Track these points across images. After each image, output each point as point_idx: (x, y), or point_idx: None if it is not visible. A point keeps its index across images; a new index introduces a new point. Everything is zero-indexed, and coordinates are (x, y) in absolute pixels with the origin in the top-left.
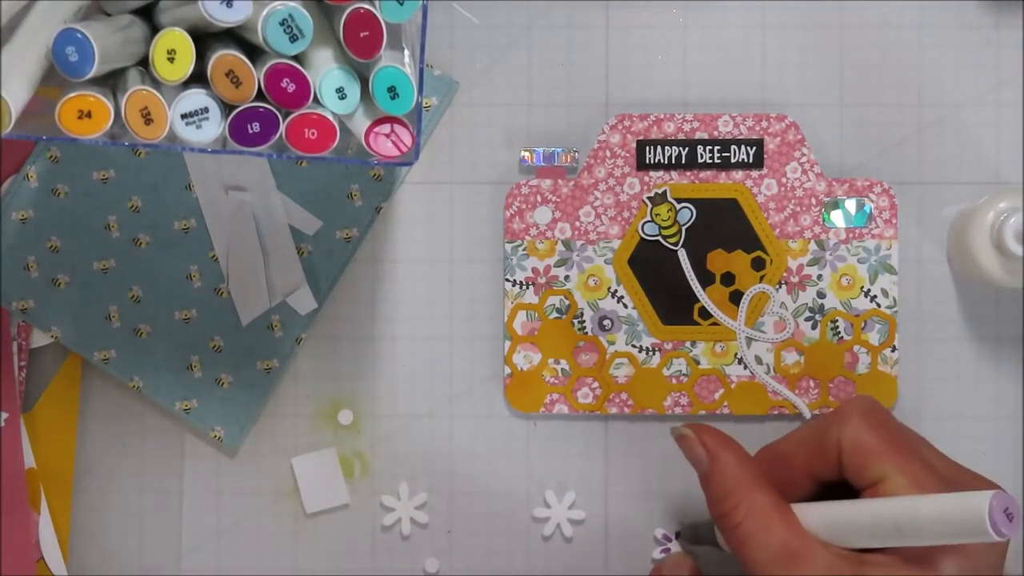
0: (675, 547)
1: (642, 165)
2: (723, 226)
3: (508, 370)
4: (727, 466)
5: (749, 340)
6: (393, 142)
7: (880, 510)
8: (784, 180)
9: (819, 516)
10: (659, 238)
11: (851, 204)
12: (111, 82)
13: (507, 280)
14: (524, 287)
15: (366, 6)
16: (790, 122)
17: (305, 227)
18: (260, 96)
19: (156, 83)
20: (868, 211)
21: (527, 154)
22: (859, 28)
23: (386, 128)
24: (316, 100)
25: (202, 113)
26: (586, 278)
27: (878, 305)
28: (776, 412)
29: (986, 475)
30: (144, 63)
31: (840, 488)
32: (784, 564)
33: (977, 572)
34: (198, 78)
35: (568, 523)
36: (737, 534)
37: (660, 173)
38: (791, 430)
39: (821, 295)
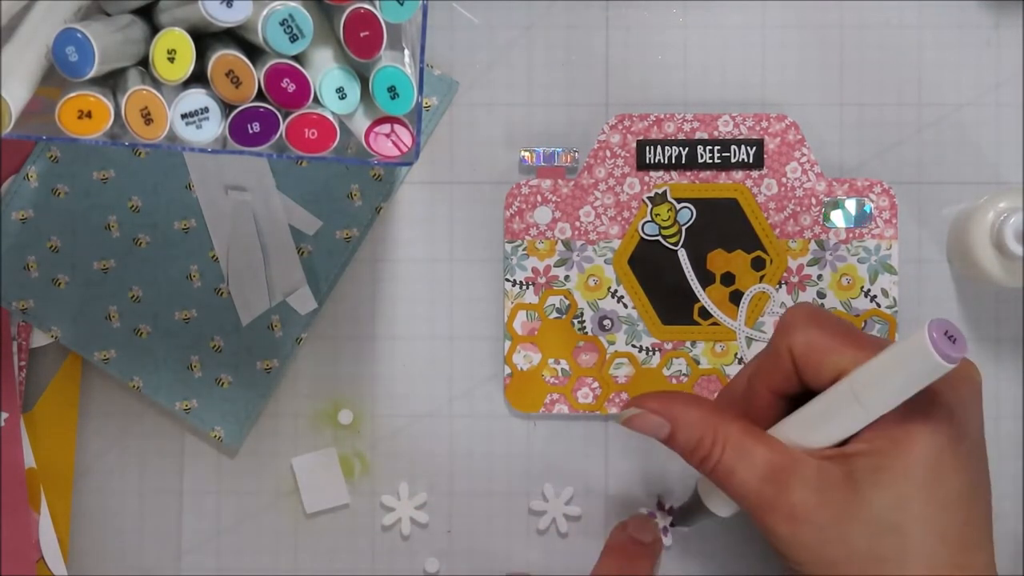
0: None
1: (642, 165)
2: (723, 226)
3: (508, 370)
4: (685, 414)
5: (749, 340)
6: (393, 142)
7: (837, 391)
8: (784, 180)
9: (790, 428)
10: (659, 238)
11: (851, 204)
12: (111, 82)
13: (507, 280)
14: (524, 287)
15: (366, 6)
16: (790, 122)
17: (305, 227)
18: (260, 96)
19: (156, 83)
20: (868, 211)
21: (527, 154)
22: (859, 28)
23: (386, 128)
24: (316, 100)
25: (202, 113)
26: (586, 278)
27: (878, 305)
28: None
29: None
30: (144, 63)
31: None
32: (773, 481)
33: (957, 435)
34: (198, 78)
35: (564, 518)
36: (720, 470)
37: (660, 173)
38: (742, 368)
39: (821, 295)
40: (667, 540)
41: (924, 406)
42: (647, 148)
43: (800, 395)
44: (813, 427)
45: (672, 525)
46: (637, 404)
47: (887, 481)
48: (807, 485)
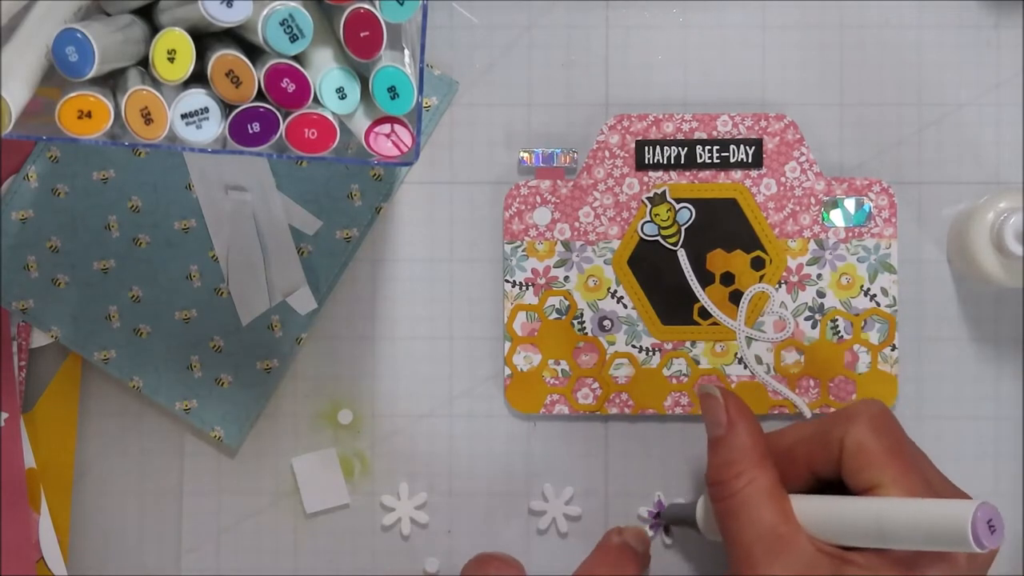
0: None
1: (641, 165)
2: (722, 226)
3: (508, 371)
4: (741, 436)
5: (749, 340)
6: (393, 142)
7: (866, 509)
8: (783, 179)
9: (808, 507)
10: (658, 238)
11: (850, 203)
12: (111, 82)
13: (507, 281)
14: (524, 288)
15: (366, 6)
16: (789, 121)
17: (305, 227)
18: (260, 96)
19: (156, 83)
20: (867, 210)
21: (526, 155)
22: (859, 28)
23: (386, 128)
24: (316, 100)
25: (202, 113)
26: (586, 279)
27: (878, 304)
28: (776, 412)
29: (986, 475)
30: (144, 63)
31: (836, 487)
32: (768, 547)
33: None
34: (198, 78)
35: (564, 518)
36: (730, 504)
37: (659, 173)
38: (793, 424)
39: (821, 294)
40: (668, 539)
41: (934, 556)
42: (646, 148)
43: (831, 480)
44: (828, 522)
45: (656, 517)
46: (722, 394)
47: None
48: (794, 566)
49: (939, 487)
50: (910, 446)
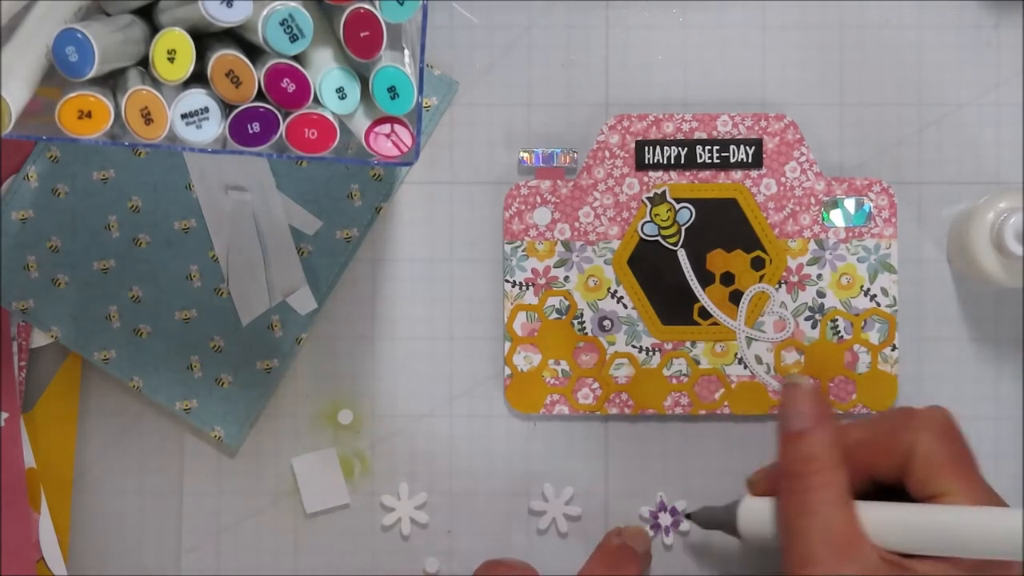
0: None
1: (641, 165)
2: (722, 226)
3: (508, 371)
4: (828, 434)
5: (749, 340)
6: (393, 142)
7: (934, 518)
8: (783, 179)
9: (875, 513)
10: (658, 238)
11: (850, 203)
12: (111, 82)
13: (507, 281)
14: (524, 288)
15: (366, 6)
16: (789, 121)
17: (305, 227)
18: (260, 96)
19: (156, 83)
20: (867, 210)
21: (526, 155)
22: (859, 28)
23: (386, 128)
24: (316, 100)
25: (202, 113)
26: (586, 279)
27: (878, 304)
28: (777, 412)
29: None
30: (144, 63)
31: (891, 491)
32: (834, 551)
33: None
34: (198, 78)
35: (564, 518)
36: (803, 500)
37: (659, 173)
38: (848, 423)
39: (821, 294)
40: (668, 539)
41: (1003, 566)
42: (646, 148)
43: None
44: (893, 529)
45: (688, 517)
46: (815, 388)
47: None
48: (857, 570)
49: (996, 497)
50: (972, 454)
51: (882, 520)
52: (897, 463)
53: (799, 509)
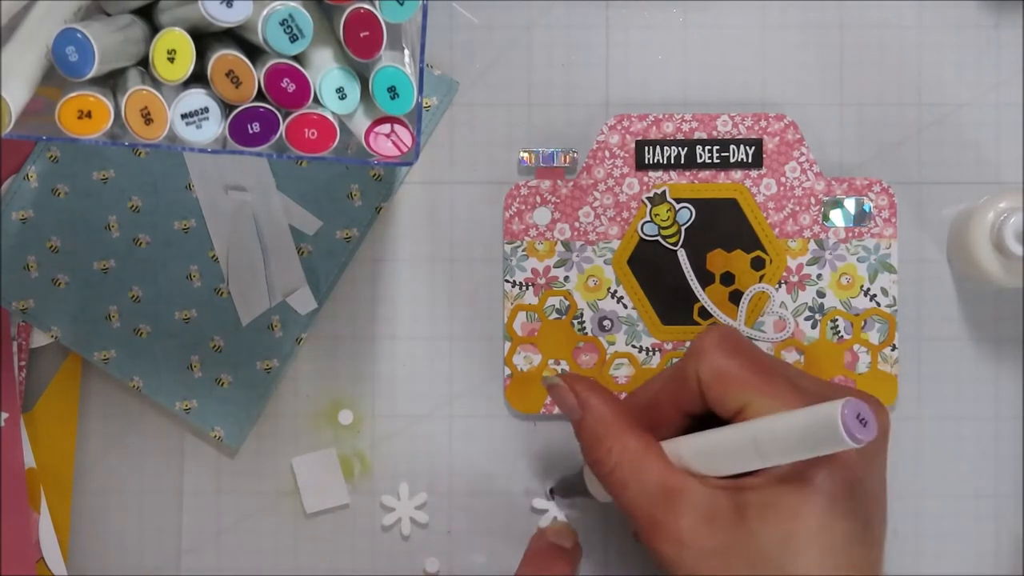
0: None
1: (641, 165)
2: (722, 226)
3: (508, 371)
4: (597, 411)
5: (749, 340)
6: (393, 142)
7: (738, 433)
8: (783, 179)
9: (686, 448)
10: (658, 238)
11: (850, 203)
12: (111, 82)
13: (507, 281)
14: (524, 288)
15: (366, 6)
16: (789, 121)
17: (305, 227)
18: (260, 96)
19: (156, 83)
20: (867, 210)
21: (526, 155)
22: (859, 28)
23: (386, 128)
24: (316, 100)
25: (202, 113)
26: (586, 279)
27: (878, 304)
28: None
29: (986, 475)
30: (144, 63)
31: (712, 421)
32: (663, 502)
33: (853, 480)
34: (198, 78)
35: (565, 518)
36: (613, 479)
37: (659, 173)
38: (651, 378)
39: (821, 294)
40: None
41: (820, 461)
42: (646, 148)
43: (704, 414)
44: (710, 457)
45: (551, 494)
46: (566, 379)
47: (776, 518)
48: (695, 512)
49: (811, 387)
50: (767, 358)
51: (694, 452)
52: (695, 394)
53: (615, 486)
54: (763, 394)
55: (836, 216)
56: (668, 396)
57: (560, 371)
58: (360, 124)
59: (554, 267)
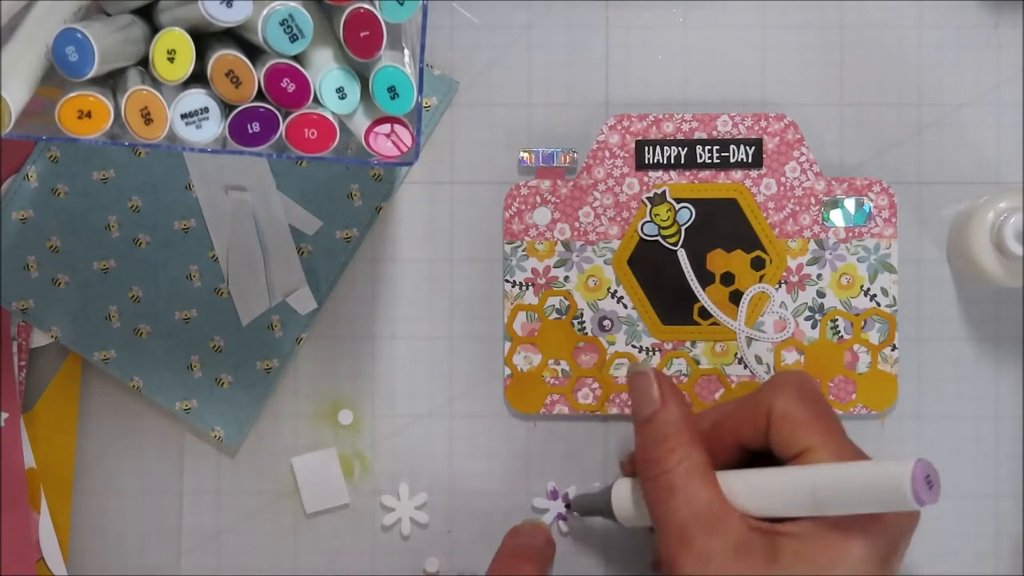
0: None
1: (641, 165)
2: (722, 226)
3: (508, 371)
4: (674, 412)
5: (749, 340)
6: (393, 142)
7: (797, 476)
8: (783, 179)
9: (742, 482)
10: (658, 238)
11: (850, 203)
12: (111, 82)
13: (507, 281)
14: (524, 288)
15: (366, 6)
16: (789, 121)
17: (305, 227)
18: (260, 96)
19: (156, 83)
20: (867, 210)
21: (526, 155)
22: (859, 28)
23: (386, 128)
24: (316, 100)
25: (202, 113)
26: (586, 279)
27: (878, 304)
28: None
29: (986, 475)
30: (144, 63)
31: (765, 460)
32: (704, 522)
33: (898, 540)
34: (198, 78)
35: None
36: (663, 481)
37: (659, 173)
38: (719, 404)
39: (821, 294)
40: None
41: (867, 518)
42: (646, 148)
43: (757, 453)
44: (760, 494)
45: (568, 508)
46: (655, 374)
47: (808, 567)
48: (731, 540)
49: (860, 452)
50: (835, 415)
51: (746, 488)
52: (760, 428)
53: (662, 489)
54: (826, 445)
55: (836, 216)
56: (732, 424)
57: (560, 371)
58: (360, 124)
59: (554, 267)
